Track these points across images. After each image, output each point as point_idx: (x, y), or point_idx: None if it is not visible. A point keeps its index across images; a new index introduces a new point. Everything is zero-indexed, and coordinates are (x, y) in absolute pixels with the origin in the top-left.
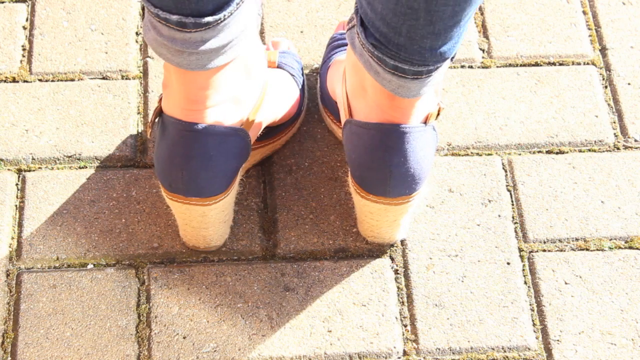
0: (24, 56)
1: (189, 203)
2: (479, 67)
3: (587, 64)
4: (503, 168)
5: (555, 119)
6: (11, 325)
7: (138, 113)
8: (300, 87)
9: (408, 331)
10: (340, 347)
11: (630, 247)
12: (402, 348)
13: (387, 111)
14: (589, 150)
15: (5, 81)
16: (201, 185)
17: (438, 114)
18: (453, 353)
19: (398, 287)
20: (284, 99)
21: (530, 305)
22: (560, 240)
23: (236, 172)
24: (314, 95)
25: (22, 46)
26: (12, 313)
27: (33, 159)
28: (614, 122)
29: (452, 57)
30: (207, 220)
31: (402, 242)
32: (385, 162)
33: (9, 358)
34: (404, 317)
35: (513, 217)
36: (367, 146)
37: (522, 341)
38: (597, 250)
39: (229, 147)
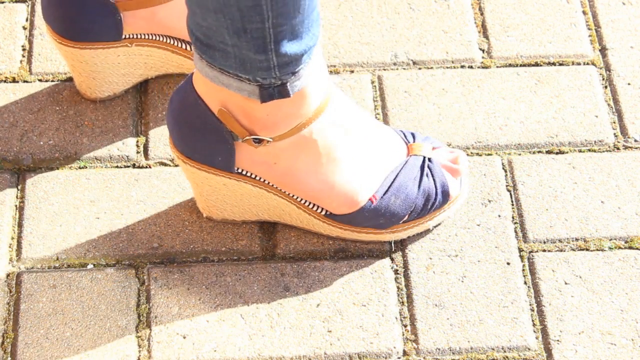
0: (24, 56)
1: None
2: (479, 67)
3: (587, 64)
4: (503, 168)
5: (555, 119)
6: (11, 325)
7: (138, 113)
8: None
9: (408, 331)
10: (340, 347)
11: (630, 247)
12: (402, 348)
13: None
14: (589, 150)
15: (5, 81)
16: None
17: (251, 143)
18: (453, 353)
19: (398, 287)
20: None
21: (530, 305)
22: (560, 240)
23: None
24: None
25: (22, 46)
26: (12, 313)
27: (33, 159)
28: (614, 122)
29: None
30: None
31: (402, 242)
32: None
33: (9, 358)
34: (404, 317)
35: (513, 217)
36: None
37: (522, 341)
38: (597, 250)
39: None
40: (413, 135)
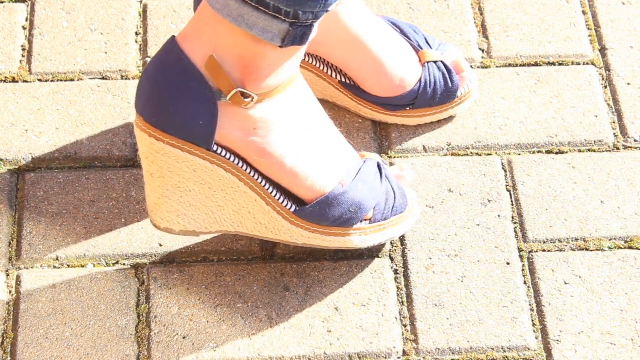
0: (23, 56)
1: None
2: (478, 67)
3: (587, 64)
4: (503, 168)
5: (555, 119)
6: (11, 325)
7: None
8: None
9: (408, 331)
10: (340, 347)
11: (630, 247)
12: (402, 348)
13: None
14: (589, 150)
15: (5, 81)
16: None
17: (239, 99)
18: (453, 353)
19: (398, 287)
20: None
21: (530, 305)
22: (560, 240)
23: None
24: None
25: (22, 46)
26: (12, 313)
27: (33, 159)
28: (614, 122)
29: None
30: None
31: (402, 242)
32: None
33: (9, 358)
34: (404, 317)
35: (513, 217)
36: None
37: (522, 341)
38: (597, 250)
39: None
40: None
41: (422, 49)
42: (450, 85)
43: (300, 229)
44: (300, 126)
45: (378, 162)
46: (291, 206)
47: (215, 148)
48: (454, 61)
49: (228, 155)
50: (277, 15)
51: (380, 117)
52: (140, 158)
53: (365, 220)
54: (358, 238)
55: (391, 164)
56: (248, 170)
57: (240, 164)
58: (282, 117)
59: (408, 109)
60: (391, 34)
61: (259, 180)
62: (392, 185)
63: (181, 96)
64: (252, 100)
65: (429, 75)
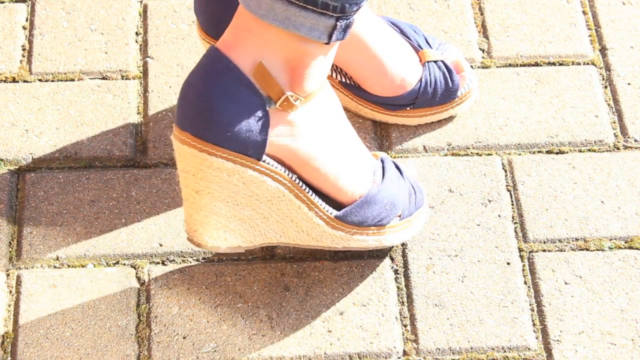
0: (24, 56)
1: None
2: (479, 67)
3: (587, 64)
4: (503, 168)
5: (555, 119)
6: (11, 325)
7: (138, 113)
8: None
9: (408, 331)
10: (340, 347)
11: (630, 247)
12: (402, 348)
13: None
14: (589, 150)
15: (5, 81)
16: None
17: (288, 103)
18: (453, 353)
19: (398, 287)
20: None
21: (530, 305)
22: (560, 240)
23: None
24: None
25: (22, 46)
26: (12, 313)
27: (33, 159)
28: (614, 122)
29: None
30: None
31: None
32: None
33: (9, 358)
34: (404, 317)
35: (513, 217)
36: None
37: (522, 341)
38: (597, 250)
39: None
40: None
41: (422, 48)
42: (450, 84)
43: (341, 232)
44: (335, 128)
45: (393, 161)
46: (332, 211)
47: (263, 158)
48: (454, 61)
49: (275, 165)
50: (325, 11)
51: (381, 117)
52: (179, 177)
53: (396, 217)
54: (392, 235)
55: None
56: (294, 178)
57: (287, 173)
58: (321, 121)
59: (408, 108)
60: (391, 34)
61: (303, 187)
62: (410, 180)
63: (234, 107)
64: (299, 103)
65: (429, 74)
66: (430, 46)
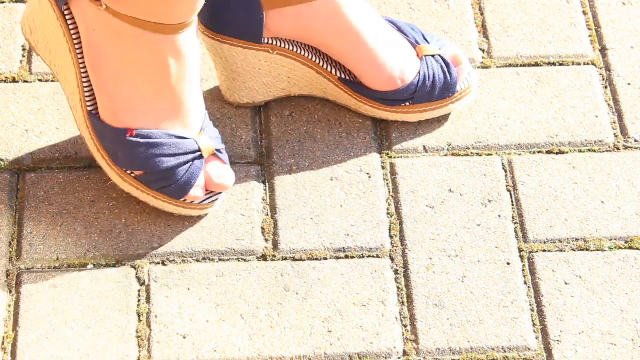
0: (24, 56)
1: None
2: (479, 67)
3: (587, 64)
4: (503, 168)
5: (555, 119)
6: (11, 325)
7: None
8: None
9: (408, 331)
10: (340, 347)
11: (630, 247)
12: (402, 348)
13: None
14: (589, 150)
15: (5, 81)
16: None
17: None
18: (453, 353)
19: (398, 287)
20: None
21: (530, 305)
22: (560, 241)
23: None
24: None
25: (22, 46)
26: (12, 313)
27: (33, 159)
28: (614, 122)
29: None
30: None
31: (402, 242)
32: None
33: (9, 358)
34: (404, 317)
35: (513, 218)
36: None
37: (522, 341)
38: (597, 250)
39: None
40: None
41: (419, 44)
42: (449, 78)
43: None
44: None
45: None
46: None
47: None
48: (452, 55)
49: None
50: None
51: (381, 114)
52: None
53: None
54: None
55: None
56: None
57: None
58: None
59: (408, 103)
60: (389, 29)
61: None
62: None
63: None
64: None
65: (428, 68)
66: (428, 42)
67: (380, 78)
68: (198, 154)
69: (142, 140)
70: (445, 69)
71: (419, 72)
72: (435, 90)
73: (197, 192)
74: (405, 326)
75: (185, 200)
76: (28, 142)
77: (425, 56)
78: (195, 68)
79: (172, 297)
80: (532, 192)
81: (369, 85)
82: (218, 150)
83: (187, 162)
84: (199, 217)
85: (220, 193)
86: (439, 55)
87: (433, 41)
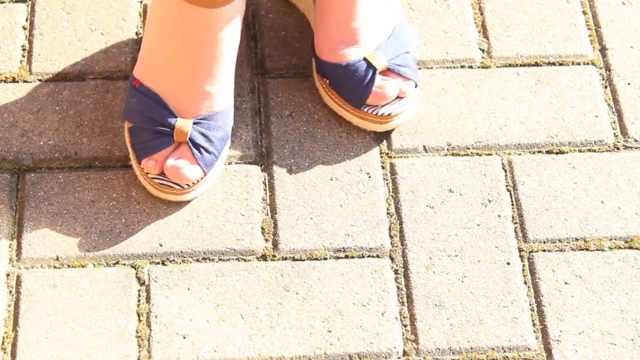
0: (24, 56)
1: None
2: (478, 67)
3: (587, 64)
4: (503, 168)
5: (555, 119)
6: (11, 325)
7: None
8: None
9: (408, 331)
10: (340, 347)
11: (630, 247)
12: (402, 348)
13: None
14: (589, 150)
15: (5, 81)
16: None
17: None
18: (453, 353)
19: (398, 287)
20: None
21: (530, 305)
22: (560, 240)
23: None
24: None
25: (22, 46)
26: (12, 313)
27: (33, 159)
28: (614, 122)
29: None
30: None
31: (402, 242)
32: None
33: (9, 358)
34: (404, 317)
35: (513, 217)
36: None
37: (522, 341)
38: (597, 250)
39: None
40: None
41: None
42: (361, 92)
43: None
44: None
45: None
46: None
47: None
48: (401, 87)
49: None
50: None
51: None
52: None
53: None
54: None
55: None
56: None
57: None
58: None
59: (326, 81)
60: (389, 16)
61: None
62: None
63: None
64: None
65: (356, 67)
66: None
67: (325, 43)
68: (169, 131)
69: (137, 93)
70: (367, 84)
71: (351, 63)
72: (346, 88)
73: (149, 163)
74: (405, 326)
75: (148, 174)
76: (28, 142)
77: (366, 60)
78: (228, 45)
79: (172, 297)
80: (532, 192)
81: (317, 52)
82: (201, 147)
83: (158, 132)
84: (199, 217)
85: (192, 190)
86: (375, 69)
87: (398, 59)
